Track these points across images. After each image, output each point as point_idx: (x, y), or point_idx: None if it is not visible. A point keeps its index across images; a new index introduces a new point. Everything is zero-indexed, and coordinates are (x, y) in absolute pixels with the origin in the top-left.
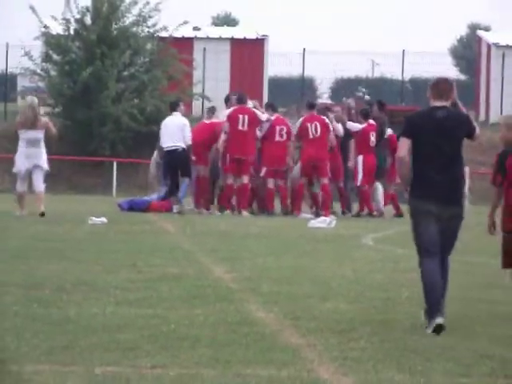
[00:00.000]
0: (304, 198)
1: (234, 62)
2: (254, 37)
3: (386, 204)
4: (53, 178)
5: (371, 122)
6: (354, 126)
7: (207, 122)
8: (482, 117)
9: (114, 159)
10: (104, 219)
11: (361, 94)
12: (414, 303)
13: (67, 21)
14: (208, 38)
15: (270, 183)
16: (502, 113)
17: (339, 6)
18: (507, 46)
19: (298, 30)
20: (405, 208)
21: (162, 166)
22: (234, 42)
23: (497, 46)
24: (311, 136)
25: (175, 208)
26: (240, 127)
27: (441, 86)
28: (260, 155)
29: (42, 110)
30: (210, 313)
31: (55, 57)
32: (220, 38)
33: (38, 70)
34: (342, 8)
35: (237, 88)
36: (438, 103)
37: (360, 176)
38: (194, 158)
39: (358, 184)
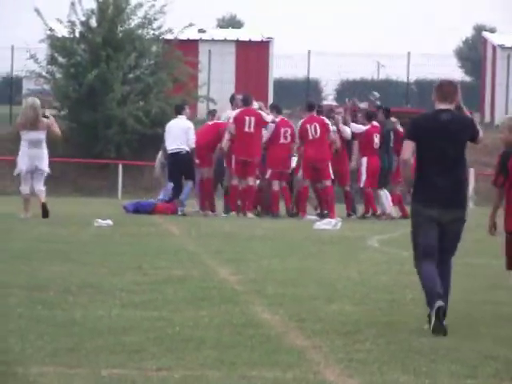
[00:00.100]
0: (309, 200)
1: (240, 64)
2: (259, 39)
3: (394, 205)
4: (58, 181)
5: (375, 123)
6: (358, 128)
7: (210, 123)
8: (488, 118)
9: (119, 161)
10: (110, 221)
11: (373, 97)
12: (418, 305)
13: (72, 23)
14: (213, 41)
15: (275, 185)
16: (507, 114)
17: (344, 7)
18: None
19: (304, 32)
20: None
21: (167, 168)
22: (240, 44)
23: (502, 47)
24: (311, 137)
25: (180, 210)
26: (246, 129)
27: (445, 89)
28: (265, 157)
29: (48, 112)
30: (215, 315)
31: (60, 59)
32: (225, 40)
33: (44, 73)
34: (348, 10)
35: (242, 90)
36: (442, 106)
37: (363, 177)
38: (197, 161)
39: (362, 185)
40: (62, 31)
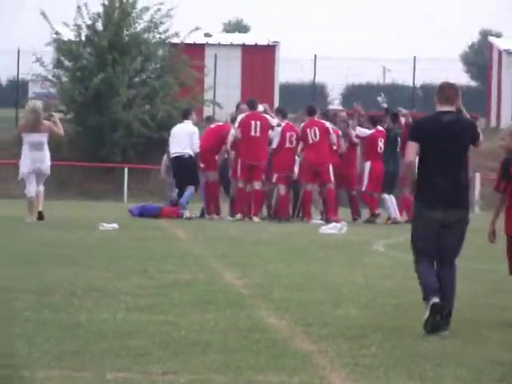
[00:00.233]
0: (314, 204)
1: (245, 69)
2: (265, 43)
3: (403, 209)
4: (64, 184)
5: (379, 128)
6: (362, 132)
7: (212, 126)
8: (493, 123)
9: (125, 165)
10: (115, 225)
11: (381, 99)
12: (424, 309)
13: (78, 27)
14: (219, 45)
15: (282, 189)
16: None
17: (351, 12)
18: None
19: (310, 37)
20: None
21: (171, 171)
22: (246, 49)
23: (508, 52)
24: (311, 141)
25: (185, 214)
26: (252, 133)
27: (446, 91)
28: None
29: (57, 116)
30: (221, 319)
31: (67, 63)
32: (231, 45)
33: (50, 76)
34: (354, 14)
35: (248, 94)
36: (444, 108)
37: (365, 181)
38: (202, 165)
39: (363, 189)
40: (68, 35)
